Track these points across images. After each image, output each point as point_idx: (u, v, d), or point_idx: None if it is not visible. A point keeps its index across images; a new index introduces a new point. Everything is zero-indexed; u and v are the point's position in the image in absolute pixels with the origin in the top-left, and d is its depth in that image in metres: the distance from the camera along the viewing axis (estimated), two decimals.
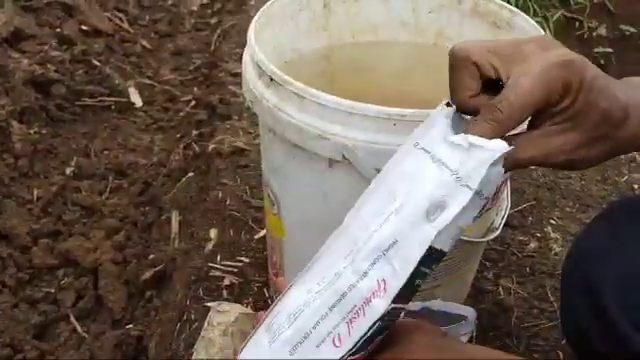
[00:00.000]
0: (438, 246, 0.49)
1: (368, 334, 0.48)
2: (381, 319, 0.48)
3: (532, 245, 1.15)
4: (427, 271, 0.50)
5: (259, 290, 1.04)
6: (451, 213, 0.47)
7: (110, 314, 1.15)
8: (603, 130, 0.54)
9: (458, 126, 0.52)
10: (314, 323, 0.49)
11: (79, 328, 1.13)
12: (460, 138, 0.49)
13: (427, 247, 0.48)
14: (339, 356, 0.48)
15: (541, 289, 1.06)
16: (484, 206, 0.52)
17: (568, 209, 1.25)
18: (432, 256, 0.49)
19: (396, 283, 0.47)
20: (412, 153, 0.52)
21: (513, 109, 0.51)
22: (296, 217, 0.81)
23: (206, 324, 0.99)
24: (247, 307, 1.01)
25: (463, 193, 0.48)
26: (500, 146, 0.49)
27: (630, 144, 0.57)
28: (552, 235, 1.17)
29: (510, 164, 0.52)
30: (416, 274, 0.48)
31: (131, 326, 1.12)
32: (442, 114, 0.53)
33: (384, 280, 0.48)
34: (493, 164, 0.48)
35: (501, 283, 1.07)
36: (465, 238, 0.78)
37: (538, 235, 1.17)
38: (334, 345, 0.48)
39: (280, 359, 0.50)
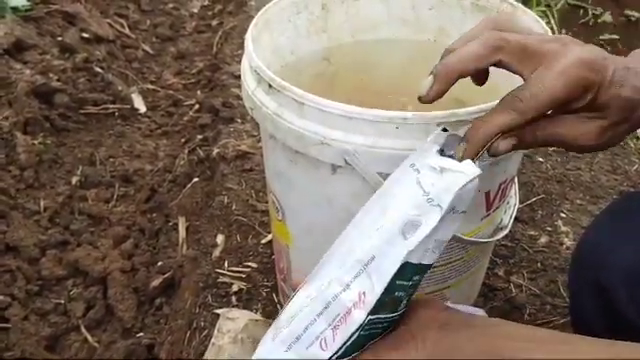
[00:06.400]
0: (415, 261, 0.52)
1: (350, 341, 0.52)
2: (362, 329, 0.52)
3: (543, 240, 1.13)
4: (407, 283, 0.52)
5: (268, 295, 1.03)
6: (423, 232, 0.51)
7: (120, 323, 1.15)
8: (625, 114, 0.56)
9: (452, 146, 0.55)
10: (305, 327, 0.53)
11: (90, 338, 1.13)
12: (436, 161, 0.53)
13: (400, 264, 0.51)
14: (327, 357, 0.52)
15: (553, 284, 1.05)
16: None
17: (578, 201, 1.23)
18: (410, 270, 0.52)
19: (371, 298, 0.51)
20: (406, 172, 0.54)
21: (533, 101, 0.53)
22: (301, 223, 0.81)
23: (216, 331, 0.98)
24: (256, 313, 1.01)
25: (434, 213, 0.51)
26: (470, 170, 0.52)
27: None
28: (563, 229, 1.16)
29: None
30: (393, 288, 0.51)
31: (142, 335, 1.12)
32: (436, 137, 0.56)
33: (364, 293, 0.51)
34: (464, 185, 0.52)
35: (512, 280, 1.06)
36: (473, 239, 0.76)
37: (549, 229, 1.16)
38: (321, 349, 0.52)
39: (276, 357, 0.54)
